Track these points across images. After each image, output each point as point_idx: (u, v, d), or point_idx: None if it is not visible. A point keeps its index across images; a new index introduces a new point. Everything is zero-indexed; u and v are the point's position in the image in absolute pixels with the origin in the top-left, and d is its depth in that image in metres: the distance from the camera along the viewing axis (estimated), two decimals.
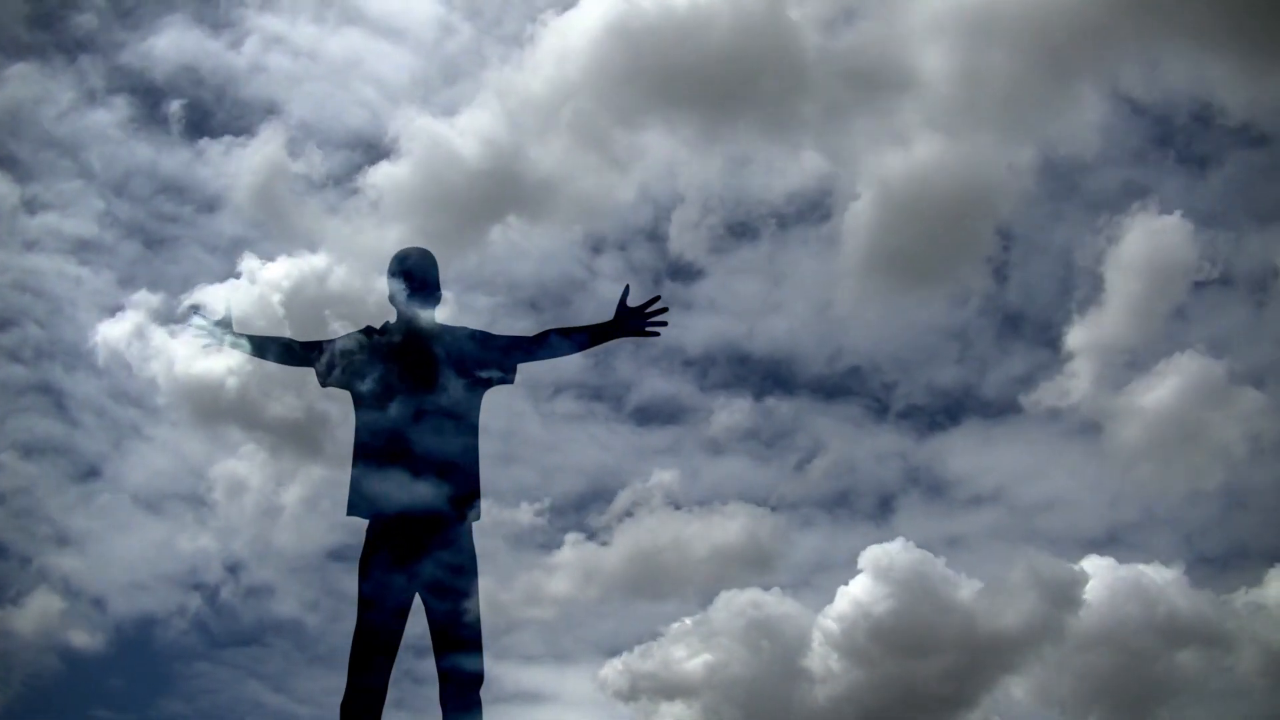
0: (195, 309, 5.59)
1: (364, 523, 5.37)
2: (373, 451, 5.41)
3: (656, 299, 5.51)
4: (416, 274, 5.56)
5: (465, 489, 5.40)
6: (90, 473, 9.54)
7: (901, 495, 10.72)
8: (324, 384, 5.58)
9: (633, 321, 5.52)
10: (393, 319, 5.59)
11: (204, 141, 10.12)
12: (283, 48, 10.10)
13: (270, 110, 10.05)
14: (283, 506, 9.66)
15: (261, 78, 10.12)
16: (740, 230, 11.17)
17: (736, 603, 9.39)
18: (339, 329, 5.60)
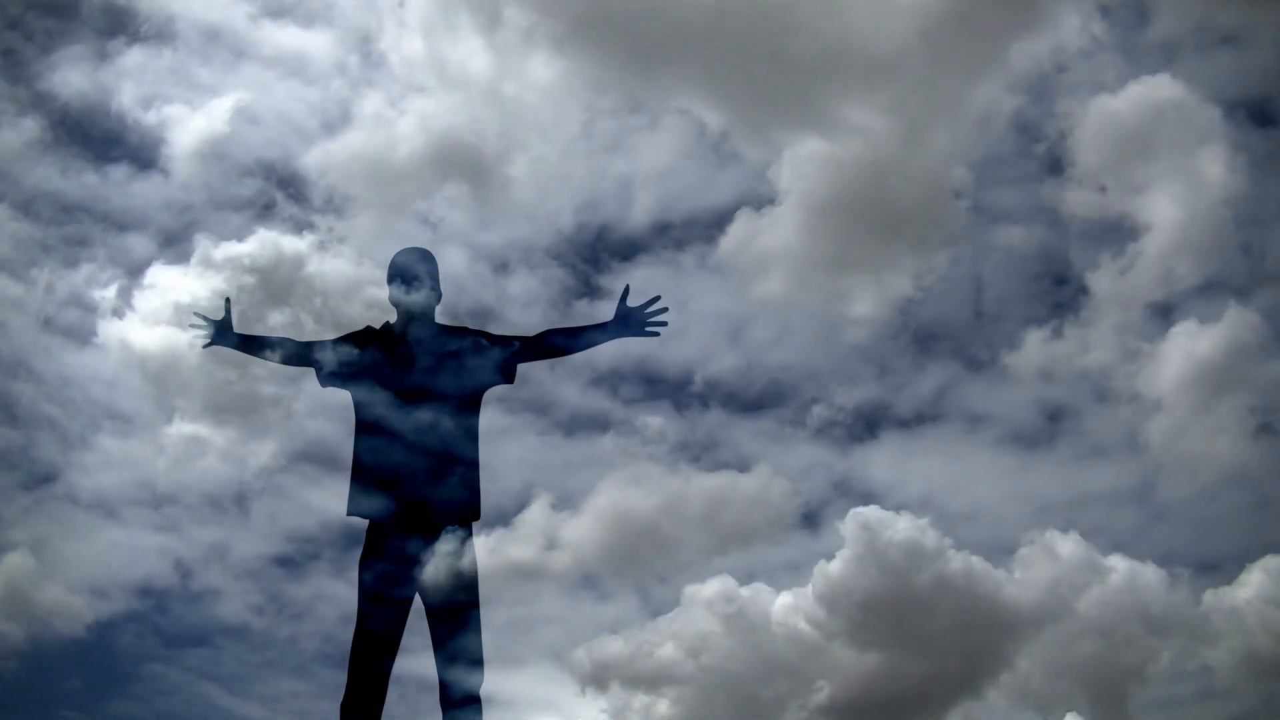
0: (194, 311, 5.62)
1: (364, 523, 5.38)
2: (372, 452, 5.42)
3: (657, 299, 5.52)
4: (416, 275, 5.57)
5: (465, 489, 5.41)
6: (46, 479, 9.68)
7: (828, 506, 10.74)
8: (324, 384, 5.58)
9: (633, 321, 5.52)
10: (393, 319, 5.61)
11: (111, 166, 10.26)
12: (179, 79, 10.34)
13: (166, 141, 10.29)
14: (235, 507, 9.85)
15: (166, 108, 10.35)
16: (640, 246, 11.03)
17: (704, 595, 9.38)
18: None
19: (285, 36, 10.74)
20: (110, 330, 9.55)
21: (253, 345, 5.65)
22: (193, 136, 10.32)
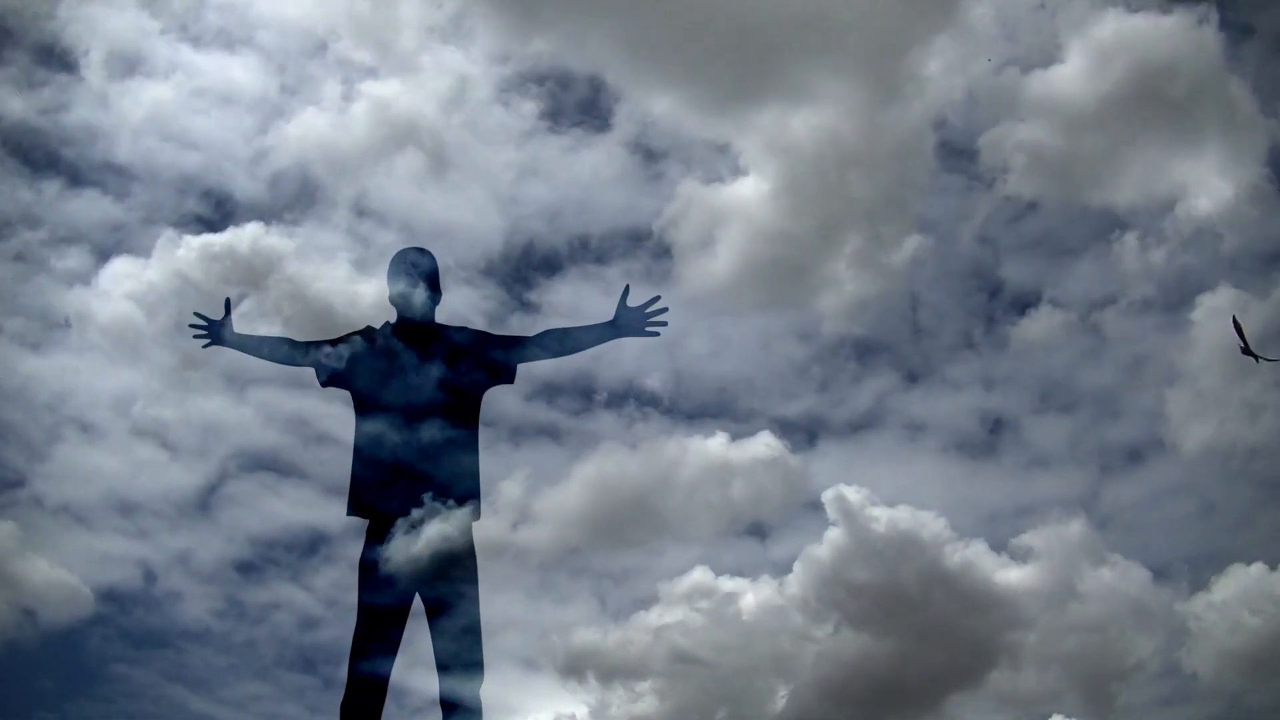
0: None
1: (364, 523, 5.37)
2: (372, 452, 5.42)
3: (657, 298, 5.56)
4: (416, 275, 5.59)
5: (465, 489, 5.41)
6: (13, 484, 9.79)
7: (772, 513, 10.86)
8: (324, 384, 5.59)
9: (633, 321, 5.55)
10: (393, 319, 5.62)
11: (46, 183, 10.54)
12: (105, 101, 10.74)
13: (102, 158, 10.64)
14: (197, 512, 10.04)
15: (100, 126, 10.71)
16: (572, 256, 11.07)
17: (681, 587, 9.40)
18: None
19: (207, 61, 11.09)
20: (73, 307, 9.72)
21: (252, 345, 5.66)
22: (126, 153, 10.59)
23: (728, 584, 9.46)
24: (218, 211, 10.60)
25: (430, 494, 5.35)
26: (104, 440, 10.06)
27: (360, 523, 5.39)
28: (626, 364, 10.30)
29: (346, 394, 5.55)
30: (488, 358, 5.56)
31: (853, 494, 9.52)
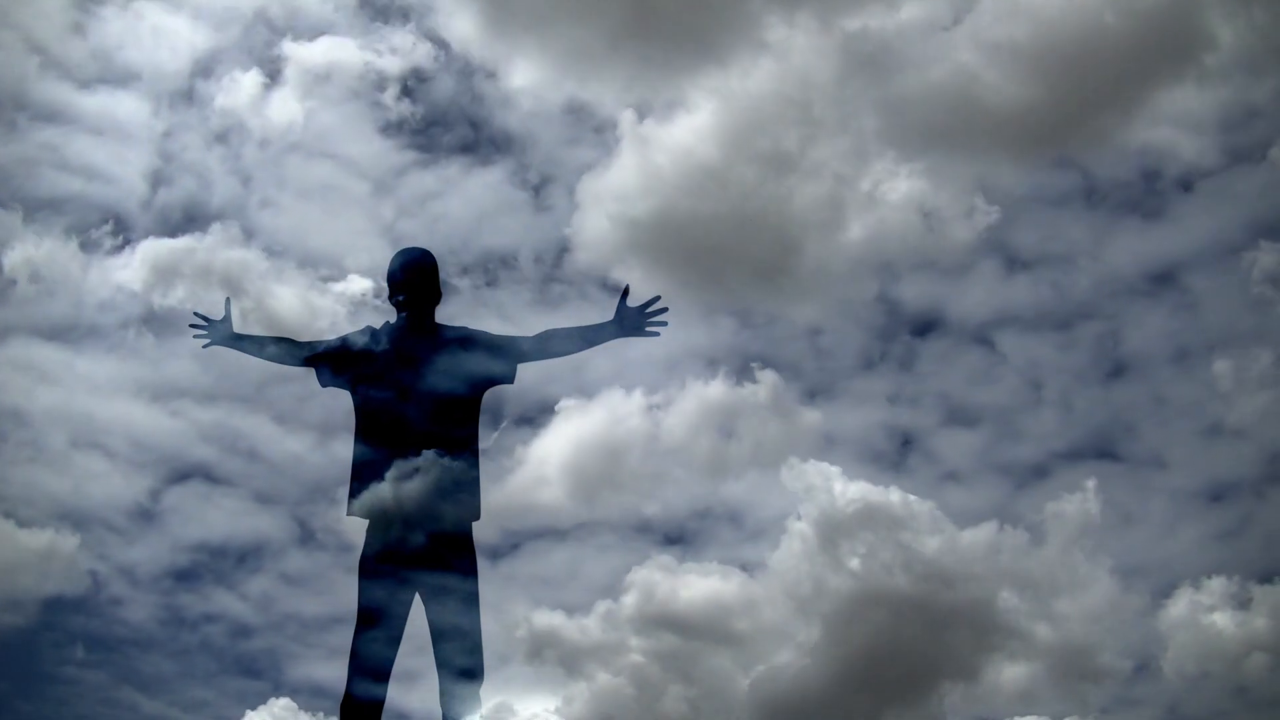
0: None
1: (363, 523, 5.38)
2: (372, 452, 5.41)
3: (657, 298, 5.53)
4: (416, 274, 5.58)
5: (464, 489, 5.40)
6: None
7: (695, 522, 10.93)
8: (323, 384, 5.60)
9: (633, 321, 5.52)
10: (393, 319, 5.61)
11: None
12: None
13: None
14: (142, 520, 10.26)
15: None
16: (480, 268, 11.15)
17: (644, 577, 9.45)
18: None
19: (92, 99, 11.52)
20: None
21: (252, 345, 5.68)
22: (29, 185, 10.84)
23: (693, 567, 9.52)
24: (119, 233, 11.01)
25: (429, 494, 5.33)
26: (45, 452, 10.35)
27: (360, 523, 5.38)
28: (541, 385, 10.46)
29: (346, 394, 5.54)
30: (487, 358, 5.54)
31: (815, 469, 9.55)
